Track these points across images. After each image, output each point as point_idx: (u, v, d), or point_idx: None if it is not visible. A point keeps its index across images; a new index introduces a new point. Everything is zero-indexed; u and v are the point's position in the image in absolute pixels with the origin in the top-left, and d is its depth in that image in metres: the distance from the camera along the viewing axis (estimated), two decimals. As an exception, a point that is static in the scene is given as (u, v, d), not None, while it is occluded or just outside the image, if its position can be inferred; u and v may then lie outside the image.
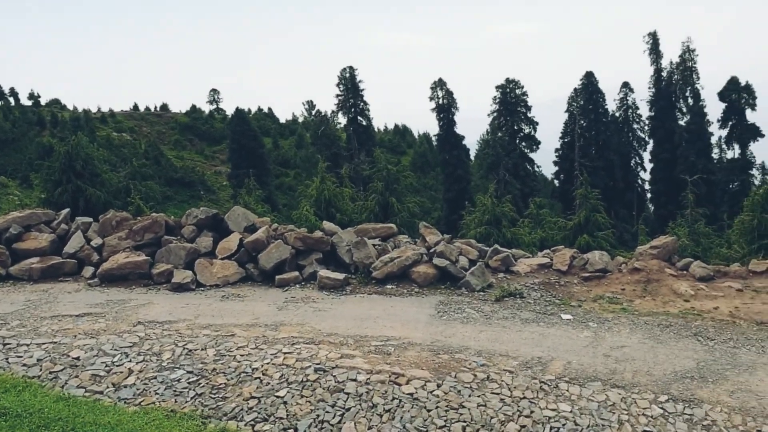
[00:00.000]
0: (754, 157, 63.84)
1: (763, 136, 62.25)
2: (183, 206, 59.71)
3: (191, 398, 7.98)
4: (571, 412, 7.77)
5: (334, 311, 11.67)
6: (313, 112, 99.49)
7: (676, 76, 65.73)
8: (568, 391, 8.24)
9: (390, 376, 8.31)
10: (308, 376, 8.34)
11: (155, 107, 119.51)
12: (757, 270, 13.72)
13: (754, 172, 63.67)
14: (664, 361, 9.30)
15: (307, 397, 7.95)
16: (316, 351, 9.15)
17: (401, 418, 7.58)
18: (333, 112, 77.32)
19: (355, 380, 8.24)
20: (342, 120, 75.01)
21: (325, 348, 9.32)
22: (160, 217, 15.13)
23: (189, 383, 8.31)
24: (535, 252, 17.75)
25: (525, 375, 8.61)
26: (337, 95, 71.02)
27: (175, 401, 7.92)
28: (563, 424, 7.55)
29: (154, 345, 9.43)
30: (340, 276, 13.44)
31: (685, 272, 13.97)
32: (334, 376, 8.33)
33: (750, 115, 62.78)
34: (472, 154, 76.01)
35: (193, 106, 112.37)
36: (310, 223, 22.15)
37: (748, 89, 62.40)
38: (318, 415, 7.61)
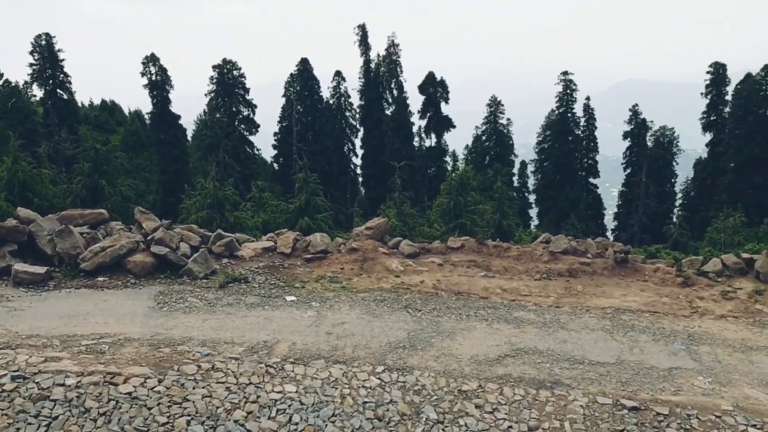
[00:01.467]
0: (447, 145, 72.11)
1: (454, 126, 70.54)
2: None
3: None
4: (296, 392, 7.93)
5: (35, 310, 10.35)
6: (1, 82, 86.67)
7: (383, 69, 70.99)
8: (293, 371, 8.40)
9: (105, 377, 7.63)
10: (4, 386, 7.28)
11: None
12: (454, 246, 15.49)
13: (448, 159, 71.91)
14: (380, 333, 10.00)
15: (3, 409, 6.94)
16: (13, 356, 8.01)
17: (119, 420, 7.02)
18: (26, 83, 68.17)
19: (63, 385, 7.40)
20: (38, 92, 66.57)
21: (24, 352, 8.21)
22: None
23: None
24: (258, 236, 17.80)
25: (251, 360, 8.57)
26: (32, 65, 62.67)
27: None
28: (289, 405, 7.68)
29: None
30: (41, 269, 11.97)
31: (395, 250, 15.19)
32: (37, 382, 7.39)
33: (444, 108, 70.63)
34: (190, 134, 73.36)
35: None
36: (1, 210, 19.53)
37: (443, 84, 70.03)
38: (18, 429, 6.68)
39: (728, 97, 62.88)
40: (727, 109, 62.99)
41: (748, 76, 60.39)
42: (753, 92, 58.64)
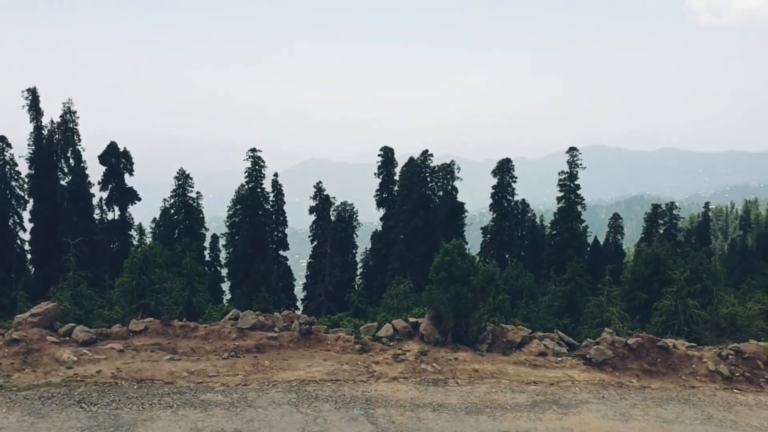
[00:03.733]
0: (132, 218, 68.46)
1: (140, 199, 67.50)
2: None
3: None
4: None
5: None
6: None
7: (57, 136, 65.34)
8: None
9: None
10: None
11: None
12: (137, 329, 14.56)
13: (133, 232, 68.17)
14: (46, 437, 8.85)
15: None
16: None
17: None
18: None
19: None
20: None
21: None
22: None
23: None
24: None
25: None
26: None
27: None
28: None
29: None
30: None
31: (68, 338, 13.73)
32: None
33: (128, 180, 67.28)
34: None
35: None
36: None
37: (126, 155, 66.95)
38: None
39: (396, 177, 71.44)
40: (395, 188, 71.34)
41: (411, 159, 69.58)
42: (415, 173, 67.60)
